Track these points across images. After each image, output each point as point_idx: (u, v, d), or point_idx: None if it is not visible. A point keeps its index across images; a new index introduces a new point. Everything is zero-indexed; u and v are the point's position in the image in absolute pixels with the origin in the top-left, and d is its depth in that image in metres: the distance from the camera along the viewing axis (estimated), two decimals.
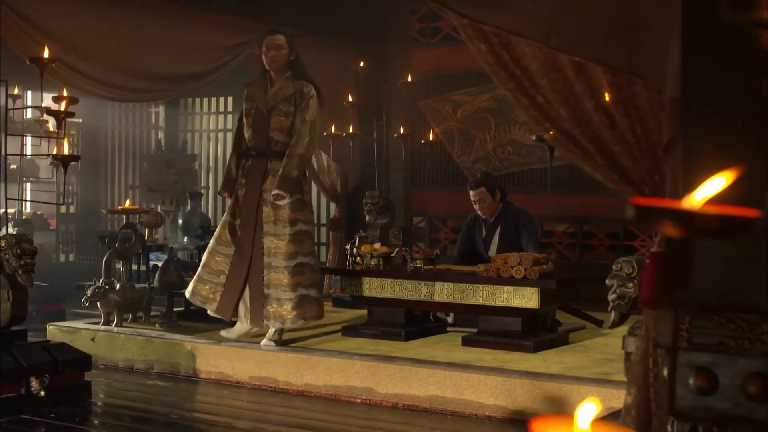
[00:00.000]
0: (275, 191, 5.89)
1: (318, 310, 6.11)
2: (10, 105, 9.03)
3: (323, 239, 10.26)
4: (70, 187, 11.30)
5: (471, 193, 6.92)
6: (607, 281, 3.77)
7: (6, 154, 5.21)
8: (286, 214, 5.97)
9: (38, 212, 10.86)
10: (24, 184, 10.74)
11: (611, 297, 3.79)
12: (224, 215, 6.32)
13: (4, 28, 5.65)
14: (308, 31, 8.65)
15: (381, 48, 9.10)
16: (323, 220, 10.21)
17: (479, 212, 6.96)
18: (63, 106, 5.02)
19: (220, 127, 11.14)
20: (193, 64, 7.70)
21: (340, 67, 9.21)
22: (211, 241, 6.27)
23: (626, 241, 8.22)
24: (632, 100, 2.80)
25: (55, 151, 9.05)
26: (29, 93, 10.28)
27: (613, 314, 3.84)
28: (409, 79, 8.23)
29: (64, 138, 4.90)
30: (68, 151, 4.98)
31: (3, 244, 5.15)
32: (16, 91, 8.49)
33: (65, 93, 5.38)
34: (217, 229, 6.28)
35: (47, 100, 10.80)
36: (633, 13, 2.75)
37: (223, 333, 6.24)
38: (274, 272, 5.96)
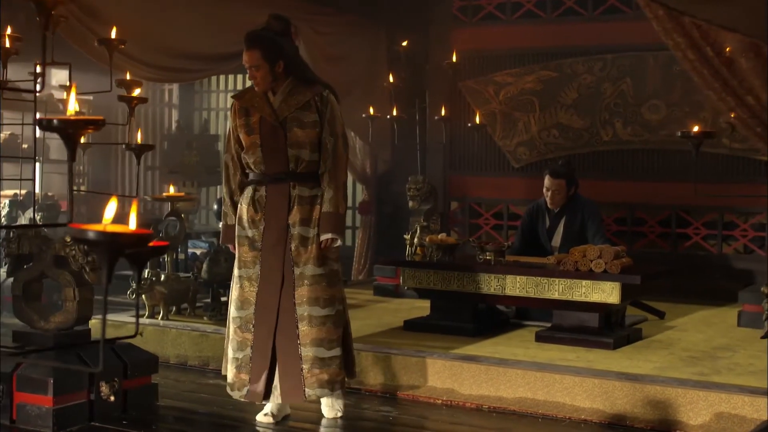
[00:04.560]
0: (329, 235, 4.68)
1: (354, 367, 4.99)
2: (31, 84, 8.61)
3: (349, 223, 9.97)
4: (81, 167, 10.89)
5: (549, 180, 6.64)
6: (764, 288, 3.54)
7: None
8: (316, 251, 4.72)
9: (49, 193, 10.45)
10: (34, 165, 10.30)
11: None
12: (235, 271, 4.86)
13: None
14: (341, 10, 8.32)
15: (418, 27, 8.76)
16: (352, 203, 9.91)
17: (548, 201, 6.69)
18: (135, 91, 4.67)
19: None
20: (232, 43, 7.33)
21: (374, 47, 8.89)
22: (231, 310, 4.83)
23: (678, 228, 7.99)
24: None
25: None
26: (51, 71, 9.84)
27: (767, 325, 3.61)
28: (454, 59, 7.92)
29: (138, 129, 4.55)
30: (141, 140, 4.64)
31: (69, 239, 4.82)
32: (38, 69, 8.05)
33: (128, 77, 5.03)
34: (233, 292, 4.84)
35: (59, 77, 10.42)
36: None
37: (261, 418, 4.85)
38: (309, 325, 4.68)
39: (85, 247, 4.82)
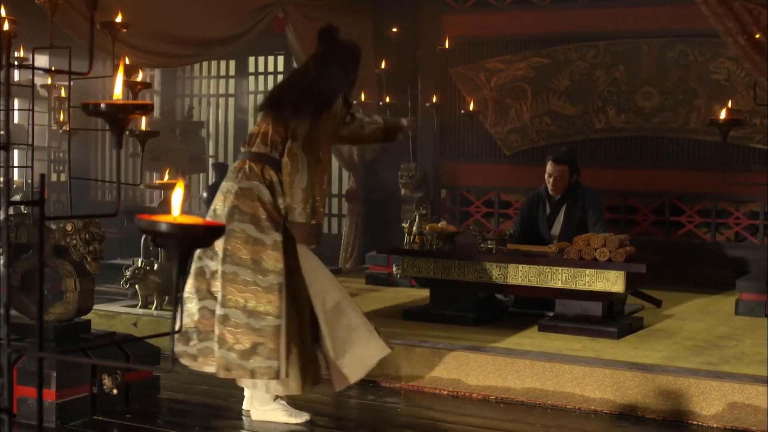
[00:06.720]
0: None
1: None
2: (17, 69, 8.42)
3: (336, 210, 9.88)
4: (61, 155, 10.68)
5: (552, 166, 6.55)
6: None
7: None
8: None
9: (29, 181, 10.21)
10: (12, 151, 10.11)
11: None
12: (324, 269, 4.65)
13: None
14: None
15: (406, 12, 8.64)
16: (338, 191, 9.81)
17: (550, 188, 6.60)
18: (139, 76, 4.54)
19: (221, 91, 10.61)
20: (224, 28, 7.23)
21: (361, 32, 8.75)
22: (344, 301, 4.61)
23: (672, 216, 7.97)
24: None
25: (61, 118, 8.52)
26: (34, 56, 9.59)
27: None
28: (447, 45, 7.82)
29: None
30: (145, 126, 4.51)
31: (70, 229, 4.69)
32: (21, 53, 7.86)
33: (127, 61, 4.90)
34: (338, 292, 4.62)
35: (42, 61, 10.19)
36: None
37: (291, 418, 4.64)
38: None
39: (87, 236, 4.70)
